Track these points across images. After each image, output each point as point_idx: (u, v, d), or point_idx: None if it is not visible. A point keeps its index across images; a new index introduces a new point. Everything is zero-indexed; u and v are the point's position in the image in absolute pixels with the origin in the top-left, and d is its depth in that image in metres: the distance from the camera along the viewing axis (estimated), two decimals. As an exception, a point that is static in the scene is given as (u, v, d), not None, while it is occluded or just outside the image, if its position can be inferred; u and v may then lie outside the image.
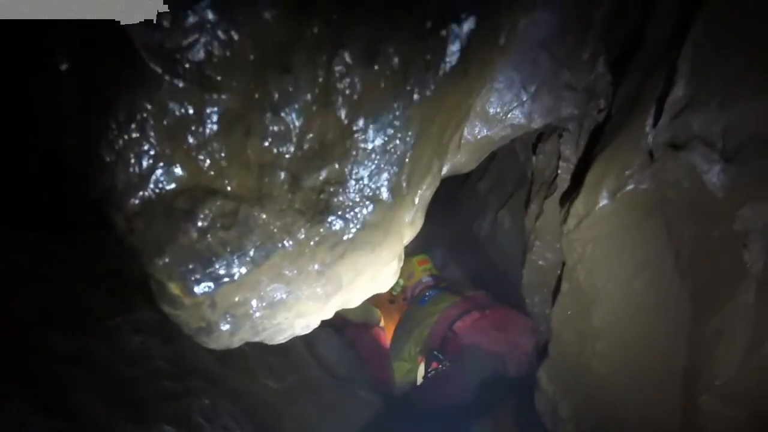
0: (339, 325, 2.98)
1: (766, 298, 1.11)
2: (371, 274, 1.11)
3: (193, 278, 0.98)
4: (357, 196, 0.99)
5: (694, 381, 1.37)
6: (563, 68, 1.87)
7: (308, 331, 1.22)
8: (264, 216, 0.96)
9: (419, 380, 2.60)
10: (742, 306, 1.16)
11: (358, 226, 1.00)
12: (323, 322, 2.69)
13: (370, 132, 0.96)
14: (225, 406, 1.99)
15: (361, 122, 0.97)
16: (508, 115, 1.88)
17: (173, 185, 0.92)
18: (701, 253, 1.29)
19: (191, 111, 0.87)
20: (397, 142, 0.98)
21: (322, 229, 0.98)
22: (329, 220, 0.98)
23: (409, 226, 1.10)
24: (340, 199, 0.98)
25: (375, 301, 3.19)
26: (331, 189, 0.98)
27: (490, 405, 2.14)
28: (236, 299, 1.03)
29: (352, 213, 0.99)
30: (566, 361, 1.84)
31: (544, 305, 2.22)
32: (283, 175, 0.95)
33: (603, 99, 1.83)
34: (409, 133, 0.99)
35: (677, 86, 1.22)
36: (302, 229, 0.98)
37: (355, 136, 0.97)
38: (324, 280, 1.04)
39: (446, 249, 3.63)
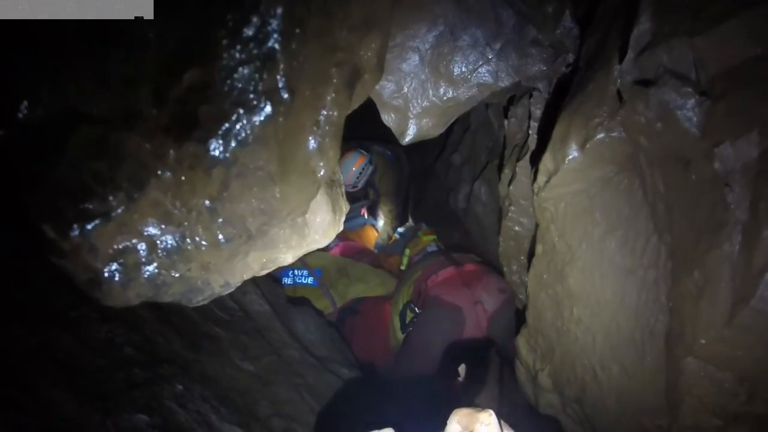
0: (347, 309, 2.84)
1: (752, 245, 0.95)
2: (290, 221, 0.94)
3: (64, 217, 0.82)
4: (224, 103, 0.81)
5: (677, 343, 1.22)
6: (529, 24, 1.70)
7: (229, 289, 1.06)
8: (133, 140, 0.79)
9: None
10: (725, 256, 1.01)
11: (232, 142, 0.83)
12: (303, 302, 2.51)
13: (226, 18, 0.79)
14: (198, 391, 1.86)
15: (214, 6, 0.80)
16: (474, 75, 1.73)
17: (39, 112, 0.77)
18: (678, 203, 1.13)
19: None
20: (257, 27, 0.80)
21: (192, 147, 0.81)
22: (197, 135, 0.81)
23: (317, 155, 0.92)
24: (206, 108, 0.81)
25: (389, 269, 3.11)
26: (196, 96, 0.80)
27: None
28: (120, 244, 0.86)
29: (222, 125, 0.82)
30: (544, 328, 1.70)
31: (522, 272, 2.07)
32: (146, 87, 0.79)
33: (571, 54, 1.67)
34: (273, 17, 0.81)
35: (641, 19, 1.06)
36: (171, 150, 0.81)
37: (211, 26, 0.79)
38: (220, 220, 0.87)
39: (425, 223, 3.49)
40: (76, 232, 0.83)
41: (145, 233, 0.88)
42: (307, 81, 0.86)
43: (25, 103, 0.76)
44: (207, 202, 0.85)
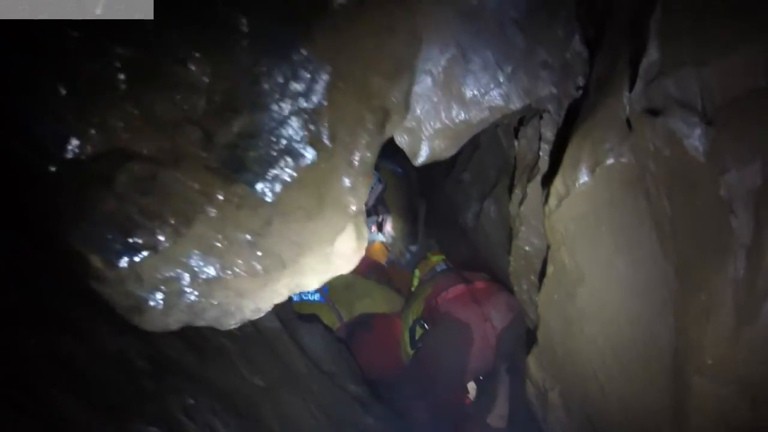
0: (356, 324, 2.87)
1: (756, 268, 0.99)
2: (318, 251, 0.99)
3: (113, 249, 0.87)
4: (272, 149, 0.87)
5: (684, 362, 1.25)
6: (539, 47, 1.76)
7: (260, 314, 1.10)
8: (182, 178, 0.85)
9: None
10: (730, 278, 1.05)
11: (278, 186, 0.88)
12: (310, 317, 2.55)
13: (275, 73, 0.85)
14: (208, 403, 1.88)
15: (265, 62, 0.85)
16: (486, 97, 1.78)
17: (88, 150, 0.82)
18: (685, 226, 1.17)
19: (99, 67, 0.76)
20: (307, 83, 0.86)
21: (239, 189, 0.87)
22: (245, 177, 0.86)
23: (350, 192, 0.97)
24: (255, 153, 0.86)
25: (398, 288, 3.14)
26: (245, 143, 0.86)
27: None
28: (164, 274, 0.91)
29: (269, 169, 0.87)
30: (554, 347, 1.73)
31: (532, 291, 2.10)
32: (195, 131, 0.84)
33: (580, 76, 1.72)
34: (322, 75, 0.87)
35: (650, 49, 1.11)
36: (220, 190, 0.86)
37: (260, 79, 0.85)
38: (259, 252, 0.92)
39: (433, 242, 3.52)
40: (125, 263, 0.88)
41: (189, 265, 0.93)
42: (346, 128, 0.92)
43: (74, 140, 0.81)
44: (248, 237, 0.90)
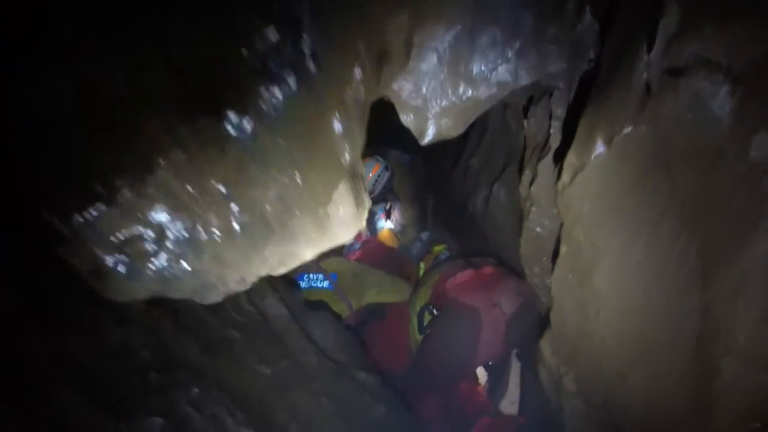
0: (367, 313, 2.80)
1: (792, 238, 0.89)
2: (310, 212, 0.88)
3: (66, 202, 0.77)
4: (244, 72, 0.75)
5: (712, 344, 1.16)
6: (548, 21, 1.67)
7: (245, 286, 1.00)
8: (143, 116, 0.74)
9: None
10: (762, 251, 0.95)
11: (251, 119, 0.76)
12: (318, 305, 2.45)
13: None
14: (214, 395, 1.83)
15: None
16: (493, 74, 1.69)
17: (44, 90, 0.72)
18: (710, 199, 1.08)
19: None
20: None
21: (205, 122, 0.74)
22: (211, 109, 0.75)
23: (343, 138, 0.86)
24: (225, 75, 0.75)
25: (407, 277, 3.08)
26: (214, 62, 0.74)
27: None
28: (126, 232, 0.81)
29: (240, 97, 0.75)
30: (569, 331, 1.64)
31: (544, 275, 2.01)
32: (158, 58, 0.73)
33: (592, 51, 1.62)
34: None
35: (671, 6, 1.01)
36: (185, 126, 0.75)
37: None
38: (235, 207, 0.81)
39: (443, 228, 3.44)
40: (80, 219, 0.78)
41: (154, 220, 0.82)
42: (335, 54, 0.81)
43: (28, 78, 0.71)
44: (221, 187, 0.79)
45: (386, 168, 3.51)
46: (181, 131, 0.75)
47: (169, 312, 1.92)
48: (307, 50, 0.77)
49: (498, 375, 2.34)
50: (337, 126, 0.85)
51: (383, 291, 2.85)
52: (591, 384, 1.63)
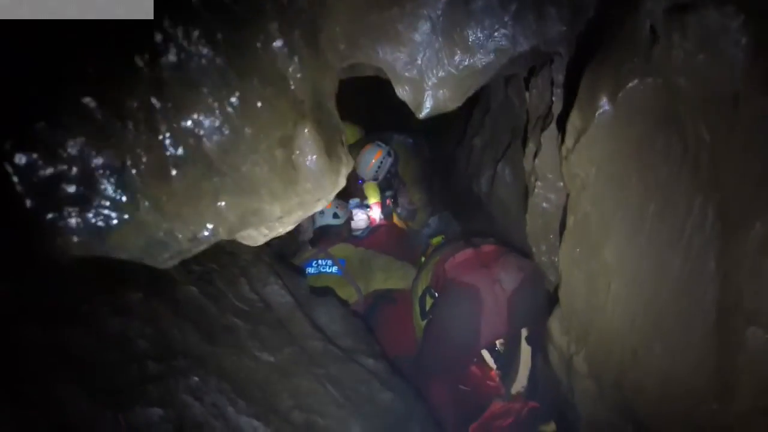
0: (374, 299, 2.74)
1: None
2: (265, 152, 0.73)
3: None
4: None
5: (733, 314, 1.05)
6: (546, -21, 1.55)
7: (199, 245, 0.88)
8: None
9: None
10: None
11: (167, 16, 0.62)
12: (325, 291, 2.34)
13: None
14: (215, 383, 1.76)
15: None
16: (490, 40, 1.59)
17: None
18: (728, 152, 0.97)
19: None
20: None
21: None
22: None
23: (286, 53, 0.72)
24: None
25: (417, 263, 3.03)
26: None
27: None
28: (44, 168, 0.67)
29: None
30: (578, 308, 1.53)
31: (552, 252, 1.90)
32: None
33: (591, 10, 1.50)
34: None
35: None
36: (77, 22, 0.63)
37: None
38: (165, 137, 0.67)
39: (448, 211, 3.34)
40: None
41: (73, 154, 0.69)
42: None
43: None
44: (142, 112, 0.67)
45: (389, 153, 3.43)
46: (86, 38, 0.63)
47: (169, 301, 1.86)
48: None
49: (509, 359, 2.25)
50: (277, 35, 0.72)
51: (391, 277, 2.80)
52: (602, 363, 1.52)
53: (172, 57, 0.66)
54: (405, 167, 3.40)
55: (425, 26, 1.57)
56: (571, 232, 1.45)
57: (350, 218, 3.15)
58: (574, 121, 1.20)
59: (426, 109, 1.62)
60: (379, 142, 3.44)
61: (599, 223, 1.33)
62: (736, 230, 0.98)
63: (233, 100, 0.69)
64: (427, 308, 2.28)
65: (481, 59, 1.58)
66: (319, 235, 2.96)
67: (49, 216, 0.72)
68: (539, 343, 2.10)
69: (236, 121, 0.71)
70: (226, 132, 0.71)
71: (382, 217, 3.31)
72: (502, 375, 2.24)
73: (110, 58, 0.64)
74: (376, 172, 3.41)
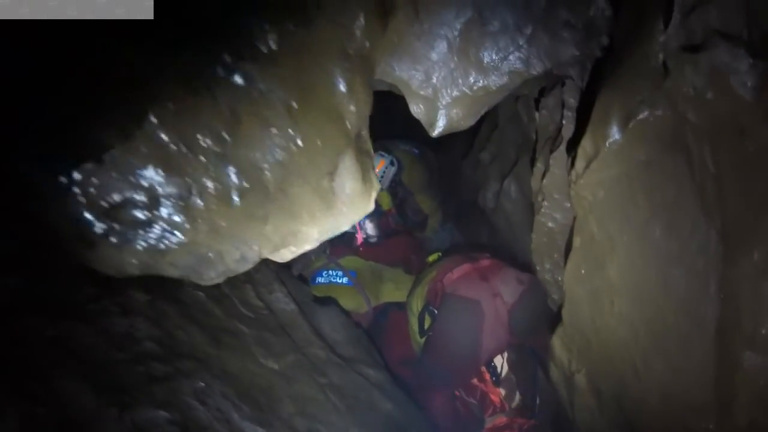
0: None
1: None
2: (313, 180, 0.82)
3: (47, 157, 0.70)
4: (237, 6, 0.70)
5: (732, 334, 1.12)
6: (560, 6, 1.63)
7: (246, 265, 0.95)
8: (128, 51, 0.68)
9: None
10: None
11: (244, 56, 0.69)
12: (330, 301, 2.38)
13: None
14: (219, 387, 1.80)
15: None
16: (505, 62, 1.66)
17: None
18: (731, 179, 1.04)
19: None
20: None
21: (193, 56, 0.67)
22: (202, 43, 0.67)
23: (345, 94, 0.80)
24: (215, 9, 0.67)
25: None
26: None
27: None
28: (114, 193, 0.74)
29: (233, 30, 0.68)
30: (581, 325, 1.60)
31: (555, 270, 1.97)
32: None
33: (605, 36, 1.59)
34: None
35: (689, -23, 0.98)
36: (170, 67, 0.68)
37: None
38: (232, 169, 0.75)
39: (452, 224, 3.40)
40: (64, 176, 0.71)
41: (145, 182, 0.76)
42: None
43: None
44: (216, 146, 0.74)
45: (392, 162, 3.48)
46: (167, 71, 0.70)
47: (175, 303, 1.91)
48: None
49: (516, 370, 2.29)
50: (339, 80, 0.80)
51: (400, 288, 2.83)
52: (604, 379, 1.59)
53: (250, 97, 0.72)
54: (410, 176, 3.45)
55: (442, 45, 1.64)
56: (576, 252, 1.52)
57: (359, 226, 3.17)
58: (585, 146, 1.28)
59: (439, 127, 1.69)
60: (382, 152, 3.48)
61: (605, 243, 1.40)
62: (737, 255, 1.05)
63: (298, 138, 0.76)
64: (426, 326, 2.32)
65: (495, 80, 1.66)
66: (329, 242, 3.01)
67: (112, 237, 0.78)
68: (538, 357, 2.16)
69: (297, 156, 0.78)
70: (287, 165, 0.78)
71: (398, 222, 3.34)
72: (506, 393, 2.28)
73: (193, 94, 0.71)
74: (380, 181, 3.46)
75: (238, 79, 0.71)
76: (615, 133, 1.22)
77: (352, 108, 0.84)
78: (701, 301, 1.22)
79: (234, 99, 0.72)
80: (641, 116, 1.16)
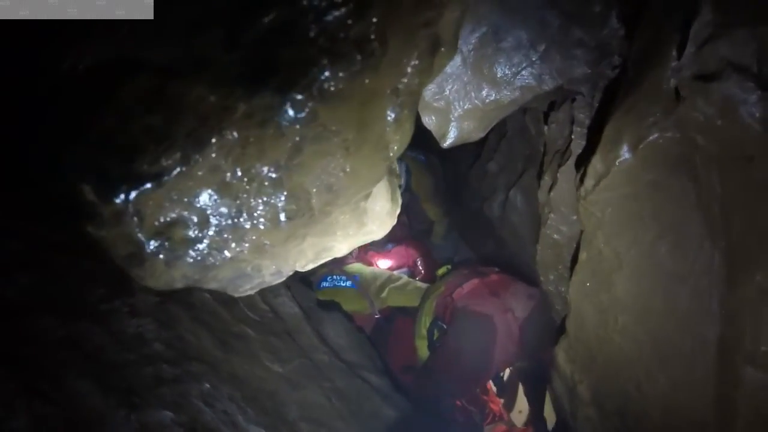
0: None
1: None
2: (352, 202, 0.87)
3: (109, 177, 0.75)
4: (308, 46, 0.74)
5: (734, 352, 1.17)
6: (574, 24, 1.69)
7: (280, 278, 1.00)
8: (196, 90, 0.73)
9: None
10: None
11: (314, 97, 0.75)
12: (334, 306, 2.43)
13: None
14: (226, 390, 1.84)
15: None
16: (517, 77, 1.71)
17: (87, 60, 0.72)
18: (736, 204, 1.09)
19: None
20: None
21: (265, 99, 0.72)
22: (274, 83, 0.73)
23: (393, 128, 0.86)
24: (287, 51, 0.73)
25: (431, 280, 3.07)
26: (275, 39, 0.73)
27: None
28: (169, 213, 0.79)
29: (303, 72, 0.74)
30: (585, 338, 1.65)
31: (560, 282, 2.02)
32: (217, 31, 0.72)
33: (617, 55, 1.64)
34: None
35: (703, 10, 1.03)
36: (242, 102, 0.74)
37: None
38: (284, 194, 0.80)
39: (458, 233, 3.44)
40: (122, 197, 0.76)
41: (199, 204, 0.81)
42: (396, 38, 0.81)
43: (73, 49, 0.71)
44: (272, 172, 0.78)
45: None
46: (237, 108, 0.74)
47: (184, 305, 1.95)
48: (373, 30, 0.76)
49: (506, 386, 2.34)
50: (390, 114, 0.85)
51: (406, 295, 2.87)
52: (606, 392, 1.64)
53: (315, 132, 0.77)
54: (418, 182, 3.50)
55: (456, 59, 1.69)
56: (583, 266, 1.57)
57: None
58: (595, 165, 1.33)
59: (450, 139, 1.74)
60: None
61: (612, 259, 1.45)
62: (739, 277, 1.10)
63: (348, 167, 0.81)
64: (435, 339, 2.35)
65: (507, 95, 1.71)
66: None
67: (162, 255, 0.82)
68: (540, 368, 2.20)
69: (344, 182, 0.82)
70: (335, 190, 0.82)
71: (404, 228, 3.39)
72: (505, 402, 2.33)
73: (260, 127, 0.75)
74: None
75: (305, 116, 0.75)
76: (625, 153, 1.27)
77: (397, 137, 0.88)
78: (704, 320, 1.27)
79: (300, 133, 0.76)
80: (651, 138, 1.21)
